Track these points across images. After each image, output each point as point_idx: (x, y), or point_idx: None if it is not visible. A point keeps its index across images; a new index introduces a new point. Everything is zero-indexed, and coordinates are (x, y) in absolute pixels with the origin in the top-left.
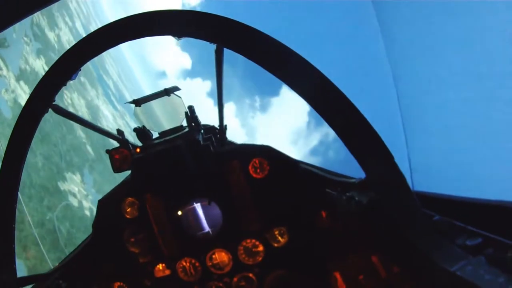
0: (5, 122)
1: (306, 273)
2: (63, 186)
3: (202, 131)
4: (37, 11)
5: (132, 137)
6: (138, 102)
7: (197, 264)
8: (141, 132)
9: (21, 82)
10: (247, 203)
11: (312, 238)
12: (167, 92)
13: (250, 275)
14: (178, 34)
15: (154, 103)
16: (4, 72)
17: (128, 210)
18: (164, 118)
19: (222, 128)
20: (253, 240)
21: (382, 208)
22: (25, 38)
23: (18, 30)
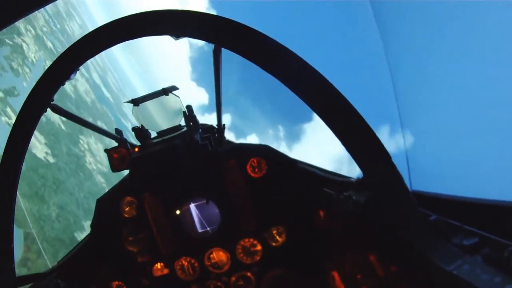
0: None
1: (304, 272)
2: (80, 236)
3: (200, 130)
4: (37, 10)
5: (131, 137)
6: (136, 102)
7: (195, 263)
8: (140, 131)
9: (35, 132)
10: (245, 202)
11: (310, 238)
12: (165, 91)
13: (248, 274)
14: (176, 34)
15: (152, 102)
16: (13, 121)
17: (127, 209)
18: (162, 118)
19: (220, 128)
20: (251, 240)
21: (379, 208)
22: None
23: (29, 79)
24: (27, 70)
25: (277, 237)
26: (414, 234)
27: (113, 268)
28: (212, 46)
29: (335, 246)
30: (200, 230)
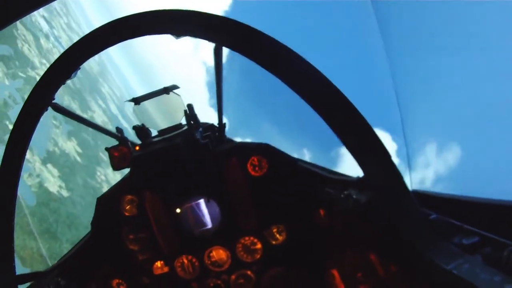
0: (28, 210)
1: (304, 270)
2: None
3: (201, 129)
4: (37, 9)
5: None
6: (137, 101)
7: (195, 261)
8: (140, 130)
9: (49, 165)
10: (246, 200)
11: (310, 236)
12: (166, 90)
13: (249, 272)
14: (177, 33)
15: (153, 101)
16: (28, 155)
17: (127, 207)
18: (163, 116)
19: (221, 126)
20: (252, 238)
21: (379, 207)
22: (54, 122)
23: (45, 114)
24: None
25: (278, 235)
26: (414, 233)
27: (113, 266)
28: (212, 45)
29: (335, 245)
30: (200, 229)
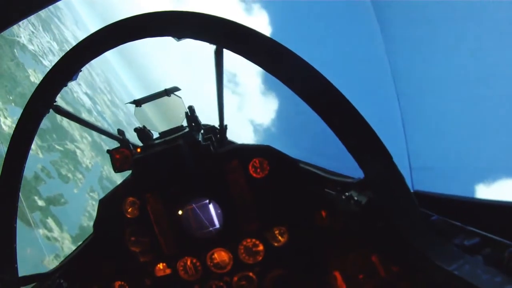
0: None
1: (306, 272)
2: None
3: (202, 131)
4: (39, 10)
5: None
6: (138, 103)
7: (197, 263)
8: (142, 132)
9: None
10: (247, 202)
11: (312, 238)
12: (167, 92)
13: (251, 274)
14: (178, 35)
15: (154, 103)
16: (56, 234)
17: (129, 209)
18: (164, 119)
19: (222, 128)
20: (253, 240)
21: (381, 208)
22: (92, 193)
23: (82, 185)
24: (80, 176)
25: (279, 237)
26: (415, 234)
27: (116, 268)
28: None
29: (337, 246)
30: (202, 230)
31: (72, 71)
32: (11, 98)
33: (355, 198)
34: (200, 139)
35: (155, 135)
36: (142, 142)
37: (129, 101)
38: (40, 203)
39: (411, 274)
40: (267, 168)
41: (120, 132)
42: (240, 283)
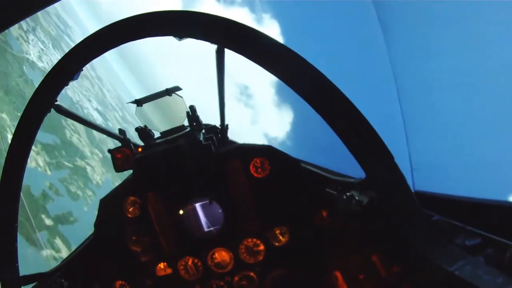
0: None
1: (307, 272)
2: None
3: (203, 130)
4: (39, 11)
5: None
6: (139, 102)
7: (198, 263)
8: (143, 131)
9: None
10: (248, 202)
11: (313, 238)
12: (169, 92)
13: (251, 274)
14: (179, 35)
15: (155, 103)
16: (64, 254)
17: (130, 209)
18: (165, 118)
19: (224, 128)
20: (254, 239)
21: (382, 208)
22: None
23: (91, 202)
24: (90, 193)
25: (280, 237)
26: (416, 234)
27: (117, 267)
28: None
29: (338, 246)
30: (203, 230)
31: (73, 70)
32: (19, 114)
33: (356, 198)
34: (201, 138)
35: (156, 134)
36: (143, 142)
37: (131, 102)
38: (48, 222)
39: (411, 274)
40: (268, 168)
41: (121, 131)
42: (241, 282)
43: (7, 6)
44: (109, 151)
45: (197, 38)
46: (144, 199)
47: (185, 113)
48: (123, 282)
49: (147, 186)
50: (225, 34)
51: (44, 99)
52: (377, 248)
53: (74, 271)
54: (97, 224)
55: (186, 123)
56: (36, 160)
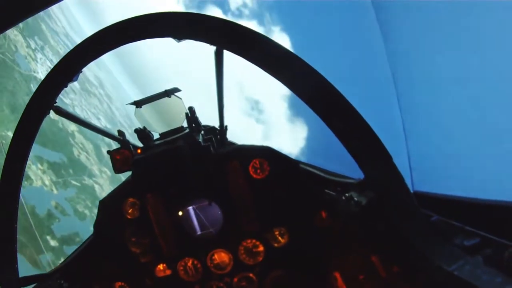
0: None
1: (306, 273)
2: None
3: (202, 132)
4: (39, 11)
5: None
6: (138, 103)
7: (198, 264)
8: (142, 133)
9: None
10: (248, 203)
11: (312, 238)
12: (168, 93)
13: (251, 275)
14: (178, 36)
15: (154, 104)
16: None
17: (129, 210)
18: (164, 119)
19: (223, 129)
20: (254, 240)
21: (381, 209)
22: None
23: None
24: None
25: (280, 238)
26: (415, 234)
27: (116, 269)
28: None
29: (337, 247)
30: (202, 231)
31: (72, 72)
32: None
33: (355, 198)
34: (200, 140)
35: (155, 136)
36: (143, 143)
37: (130, 103)
38: (53, 243)
39: (411, 274)
40: (267, 169)
41: (120, 133)
42: (240, 284)
43: (7, 6)
44: (108, 152)
45: (196, 40)
46: (143, 200)
47: (184, 115)
48: (123, 283)
49: (146, 188)
50: (224, 36)
51: (44, 100)
52: (376, 248)
53: (74, 272)
54: (96, 226)
55: (185, 124)
56: (42, 179)
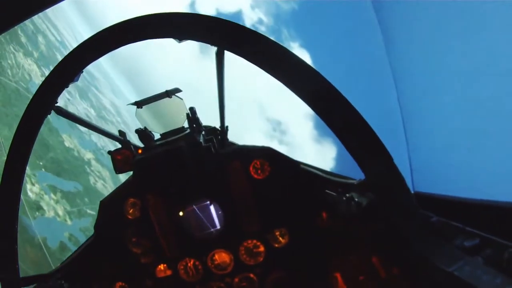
0: None
1: (307, 273)
2: None
3: (203, 132)
4: (39, 12)
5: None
6: (139, 104)
7: (198, 264)
8: (143, 133)
9: None
10: (248, 204)
11: (313, 239)
12: (169, 93)
13: (251, 275)
14: (179, 37)
15: (155, 105)
16: None
17: (130, 210)
18: (165, 120)
19: (223, 129)
20: (254, 241)
21: (381, 209)
22: None
23: None
24: None
25: (280, 238)
26: (415, 235)
27: (117, 269)
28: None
29: (338, 248)
30: (203, 232)
31: (74, 72)
32: (41, 163)
33: (356, 199)
34: (201, 140)
35: (156, 136)
36: (143, 144)
37: (131, 104)
38: None
39: (411, 275)
40: (268, 170)
41: (121, 133)
42: (241, 284)
43: (6, 6)
44: (109, 152)
45: (197, 40)
46: (144, 200)
47: (185, 115)
48: (123, 284)
49: (147, 188)
50: (225, 36)
51: (45, 101)
52: (377, 249)
53: (74, 272)
54: (97, 226)
55: (186, 124)
56: (55, 209)
